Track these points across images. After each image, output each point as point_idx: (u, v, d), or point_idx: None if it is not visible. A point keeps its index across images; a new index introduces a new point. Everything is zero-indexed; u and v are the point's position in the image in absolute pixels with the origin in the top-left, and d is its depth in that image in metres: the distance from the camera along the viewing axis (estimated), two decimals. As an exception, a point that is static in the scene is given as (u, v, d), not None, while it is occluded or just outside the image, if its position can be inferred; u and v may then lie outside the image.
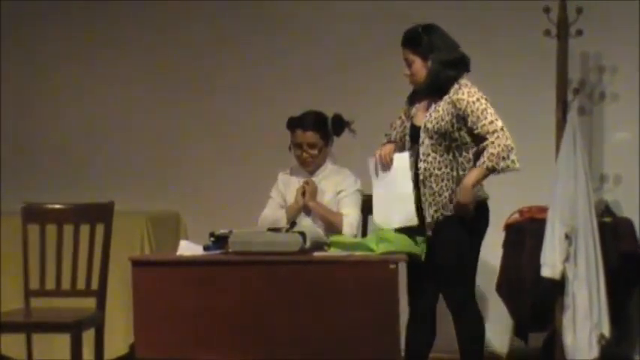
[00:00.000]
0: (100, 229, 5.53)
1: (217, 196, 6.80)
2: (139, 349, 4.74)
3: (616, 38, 6.37)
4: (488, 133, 4.87)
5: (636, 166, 6.33)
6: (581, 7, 6.00)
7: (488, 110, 4.90)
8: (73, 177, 7.09)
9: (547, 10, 6.02)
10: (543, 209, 5.87)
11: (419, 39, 4.99)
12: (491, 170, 4.88)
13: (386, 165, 5.07)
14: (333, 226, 5.21)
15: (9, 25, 7.18)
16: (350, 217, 5.24)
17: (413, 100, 5.16)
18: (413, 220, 4.96)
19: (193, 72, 7.03)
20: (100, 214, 5.56)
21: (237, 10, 6.93)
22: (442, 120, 4.93)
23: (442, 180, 4.96)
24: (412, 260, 4.89)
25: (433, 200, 4.97)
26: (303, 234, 4.74)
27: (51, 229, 5.55)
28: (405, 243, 4.79)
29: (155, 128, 7.08)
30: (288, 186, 5.36)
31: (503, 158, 4.86)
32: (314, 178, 5.32)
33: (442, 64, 4.95)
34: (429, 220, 4.97)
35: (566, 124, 5.91)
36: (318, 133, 5.25)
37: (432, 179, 4.96)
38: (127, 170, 7.07)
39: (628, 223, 6.16)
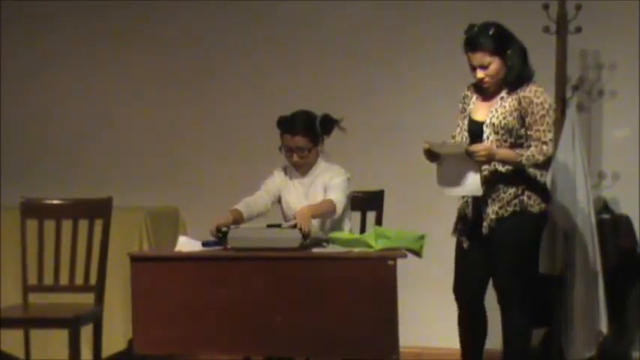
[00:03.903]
0: (98, 224, 5.53)
1: (216, 191, 6.79)
2: (137, 345, 4.74)
3: (615, 35, 6.36)
4: (539, 140, 4.89)
5: (635, 163, 6.33)
6: (580, 4, 6.00)
7: (546, 119, 4.91)
8: (71, 172, 7.08)
9: (546, 6, 6.03)
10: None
11: (494, 38, 4.94)
12: (520, 166, 4.89)
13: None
14: (327, 215, 5.07)
15: (9, 22, 7.18)
16: (337, 200, 5.05)
17: (467, 96, 5.13)
18: (479, 191, 4.90)
19: (193, 68, 7.02)
20: (99, 209, 5.55)
21: (240, 8, 6.92)
22: (510, 115, 4.92)
23: (507, 177, 4.94)
24: (461, 250, 5.07)
25: (497, 197, 4.95)
26: (302, 230, 4.73)
27: (49, 224, 5.54)
28: (403, 239, 4.78)
29: (154, 124, 7.08)
30: (287, 189, 5.25)
31: (538, 167, 4.91)
32: (306, 179, 5.18)
33: (520, 57, 4.97)
34: (492, 216, 4.94)
35: (565, 120, 5.92)
36: (306, 136, 5.12)
37: (497, 176, 4.95)
38: (125, 165, 7.06)
39: (626, 221, 6.17)
